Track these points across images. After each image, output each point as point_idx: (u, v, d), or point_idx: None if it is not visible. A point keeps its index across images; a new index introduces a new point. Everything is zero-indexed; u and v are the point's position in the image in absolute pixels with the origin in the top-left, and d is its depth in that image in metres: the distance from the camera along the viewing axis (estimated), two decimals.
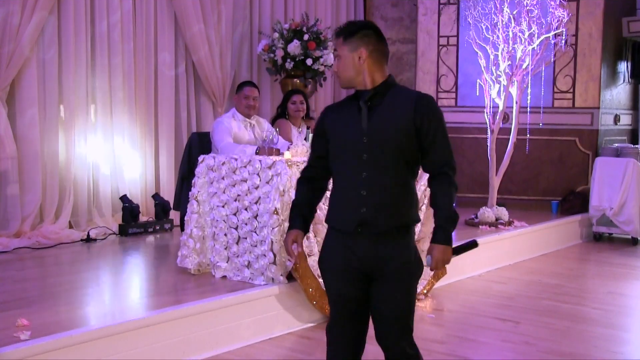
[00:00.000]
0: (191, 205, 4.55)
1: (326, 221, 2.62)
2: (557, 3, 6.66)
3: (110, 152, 6.38)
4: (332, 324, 2.62)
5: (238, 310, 3.96)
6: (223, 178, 4.45)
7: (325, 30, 7.42)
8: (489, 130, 6.78)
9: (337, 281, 2.55)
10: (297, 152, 4.48)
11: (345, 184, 2.51)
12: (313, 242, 4.24)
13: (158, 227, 6.32)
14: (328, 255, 2.58)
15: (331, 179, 2.63)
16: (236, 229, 4.40)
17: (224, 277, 4.45)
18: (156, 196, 6.50)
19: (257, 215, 4.29)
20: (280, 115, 5.87)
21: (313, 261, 4.17)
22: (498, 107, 6.77)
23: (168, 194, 6.58)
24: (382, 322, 2.52)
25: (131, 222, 6.13)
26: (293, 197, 2.74)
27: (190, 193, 4.59)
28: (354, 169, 2.48)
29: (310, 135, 4.68)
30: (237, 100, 5.23)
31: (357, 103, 2.52)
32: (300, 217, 2.64)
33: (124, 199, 6.20)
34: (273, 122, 5.69)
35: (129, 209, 6.14)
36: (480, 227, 6.54)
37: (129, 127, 6.50)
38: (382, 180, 2.45)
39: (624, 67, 8.28)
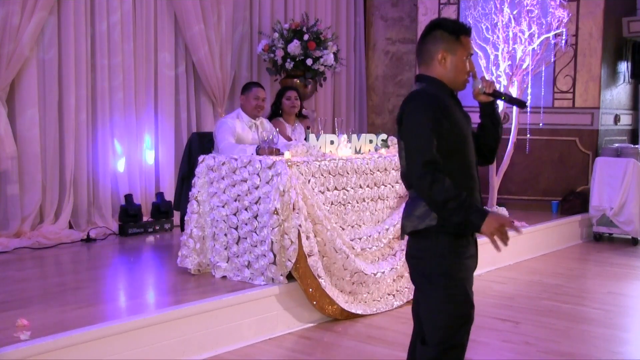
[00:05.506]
0: (191, 205, 4.55)
1: None
2: (557, 3, 6.65)
3: (110, 152, 6.38)
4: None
5: (238, 310, 3.96)
6: (223, 178, 4.45)
7: (325, 30, 7.41)
8: None
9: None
10: (297, 152, 4.46)
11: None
12: (313, 242, 4.22)
13: (158, 227, 6.32)
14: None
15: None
16: (236, 229, 4.39)
17: (224, 277, 4.45)
18: (157, 196, 6.51)
19: (257, 215, 4.29)
20: (275, 113, 5.86)
21: (313, 261, 4.17)
22: (498, 107, 6.76)
23: (168, 194, 6.58)
24: None
25: (131, 222, 6.13)
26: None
27: (190, 193, 4.59)
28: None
29: (311, 136, 4.68)
30: (245, 101, 5.15)
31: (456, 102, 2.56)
32: None
33: (128, 197, 6.21)
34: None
35: (128, 208, 6.14)
36: None
37: (129, 127, 6.50)
38: None
39: (624, 67, 8.27)
